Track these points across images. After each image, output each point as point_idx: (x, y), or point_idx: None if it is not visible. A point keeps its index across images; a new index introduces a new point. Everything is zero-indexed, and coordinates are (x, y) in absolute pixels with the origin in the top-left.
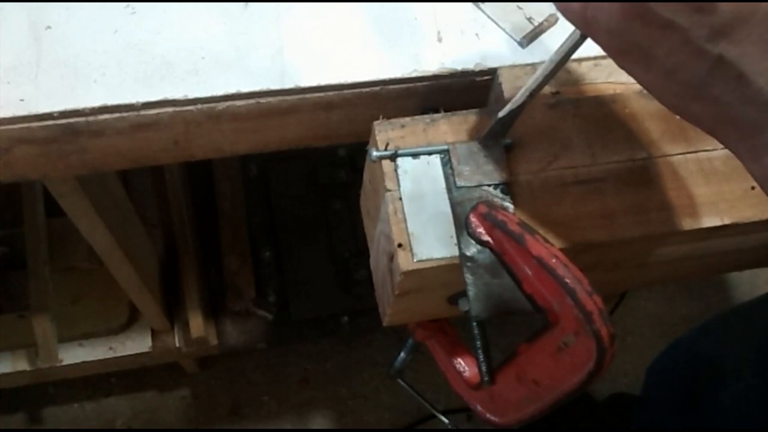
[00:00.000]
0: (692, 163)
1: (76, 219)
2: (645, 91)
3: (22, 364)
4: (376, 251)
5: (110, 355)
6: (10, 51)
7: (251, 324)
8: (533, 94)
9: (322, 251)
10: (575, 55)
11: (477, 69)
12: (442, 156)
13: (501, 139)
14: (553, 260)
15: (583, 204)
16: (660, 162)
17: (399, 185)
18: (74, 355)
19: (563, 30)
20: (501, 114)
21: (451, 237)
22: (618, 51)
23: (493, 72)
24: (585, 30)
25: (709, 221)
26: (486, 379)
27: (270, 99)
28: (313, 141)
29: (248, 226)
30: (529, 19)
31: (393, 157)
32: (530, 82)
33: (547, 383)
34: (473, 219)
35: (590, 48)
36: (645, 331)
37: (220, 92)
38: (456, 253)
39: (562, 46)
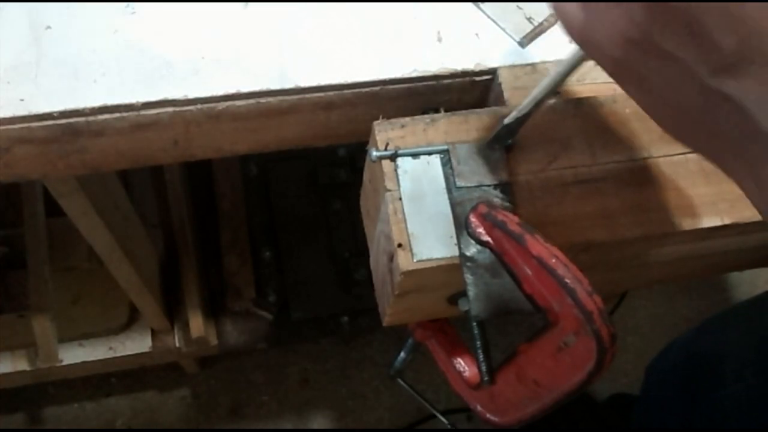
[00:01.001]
0: (692, 163)
1: (76, 219)
2: None
3: (22, 364)
4: (376, 251)
5: (110, 355)
6: (10, 51)
7: (251, 324)
8: (539, 103)
9: (322, 251)
10: None
11: (477, 69)
12: (442, 156)
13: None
14: (553, 260)
15: (583, 204)
16: (660, 162)
17: (399, 185)
18: (74, 355)
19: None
20: (507, 121)
21: (451, 237)
22: (617, 75)
23: (492, 72)
24: (585, 50)
25: (709, 221)
26: (486, 379)
27: (270, 99)
28: (313, 141)
29: (248, 226)
30: (529, 19)
31: (393, 157)
32: (536, 91)
33: (547, 383)
34: (473, 219)
35: None
36: (645, 331)
37: (220, 92)
38: (456, 253)
39: (568, 55)
